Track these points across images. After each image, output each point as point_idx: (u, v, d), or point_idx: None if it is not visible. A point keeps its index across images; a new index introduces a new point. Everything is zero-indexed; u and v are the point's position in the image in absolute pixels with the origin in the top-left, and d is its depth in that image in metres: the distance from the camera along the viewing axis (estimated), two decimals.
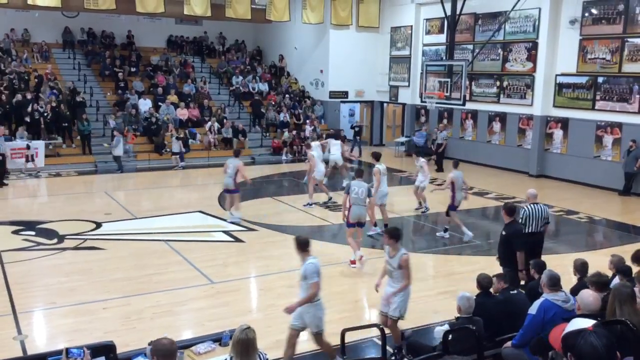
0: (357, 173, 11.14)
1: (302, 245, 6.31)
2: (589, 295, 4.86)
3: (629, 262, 6.93)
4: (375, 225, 12.10)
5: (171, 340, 4.32)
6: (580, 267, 6.73)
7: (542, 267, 6.60)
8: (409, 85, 23.86)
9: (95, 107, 21.57)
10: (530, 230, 8.44)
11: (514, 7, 18.23)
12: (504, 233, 8.10)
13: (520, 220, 8.41)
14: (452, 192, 11.64)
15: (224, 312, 7.99)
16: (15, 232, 11.78)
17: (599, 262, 8.72)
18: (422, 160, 13.81)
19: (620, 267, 6.53)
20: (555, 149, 18.47)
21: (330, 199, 14.63)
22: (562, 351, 3.06)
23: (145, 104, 21.85)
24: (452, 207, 11.68)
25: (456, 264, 10.38)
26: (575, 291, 5.99)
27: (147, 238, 11.63)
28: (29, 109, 19.06)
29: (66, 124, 19.71)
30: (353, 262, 10.11)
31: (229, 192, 12.95)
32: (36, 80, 21.42)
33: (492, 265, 8.89)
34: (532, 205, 8.64)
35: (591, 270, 6.29)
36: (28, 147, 18.01)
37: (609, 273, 6.66)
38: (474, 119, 21.31)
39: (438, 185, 14.66)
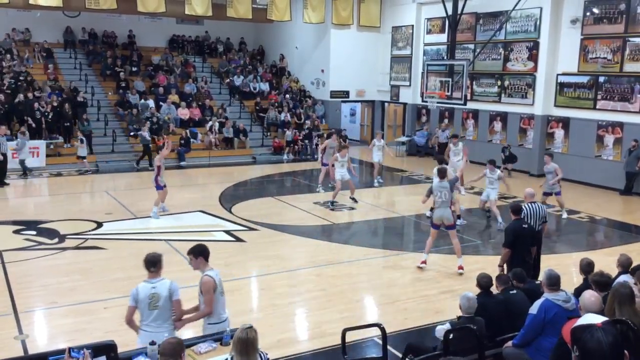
0: (439, 174, 9.82)
1: (144, 265, 5.68)
2: (590, 296, 4.86)
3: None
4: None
5: (178, 339, 4.33)
6: (586, 267, 6.72)
7: (521, 277, 6.61)
8: (410, 85, 23.85)
9: (96, 107, 21.57)
10: None
11: (515, 6, 18.20)
12: None
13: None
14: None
15: None
16: (17, 232, 11.79)
17: (600, 262, 8.70)
18: (499, 172, 13.10)
19: (632, 268, 6.50)
20: (557, 148, 18.45)
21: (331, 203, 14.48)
22: (570, 344, 3.06)
23: (147, 105, 21.87)
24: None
25: (457, 264, 10.35)
26: (580, 291, 5.98)
27: (148, 238, 11.65)
28: (31, 108, 19.10)
29: (68, 124, 19.71)
30: (423, 262, 10.03)
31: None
32: (30, 77, 21.45)
33: (493, 265, 8.89)
34: (529, 204, 8.69)
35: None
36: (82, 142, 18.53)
37: (616, 271, 6.65)
38: (475, 118, 21.30)
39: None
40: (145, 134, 19.51)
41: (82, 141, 18.62)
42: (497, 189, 12.92)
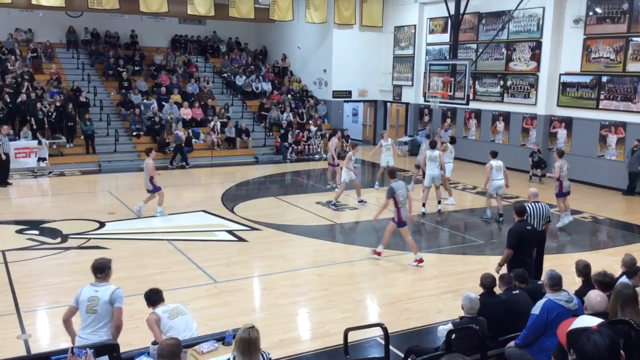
0: (391, 174, 10.72)
1: (92, 271, 5.69)
2: (596, 296, 4.85)
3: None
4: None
5: (176, 340, 4.33)
6: (584, 269, 6.70)
7: (523, 278, 6.60)
8: (412, 85, 23.84)
9: (99, 107, 21.61)
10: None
11: (517, 6, 18.19)
12: None
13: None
14: (559, 179, 12.49)
15: (227, 312, 8.00)
16: (19, 232, 11.81)
17: (603, 262, 8.72)
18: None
19: (635, 269, 6.48)
20: (560, 148, 18.40)
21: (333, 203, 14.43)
22: (566, 346, 3.06)
23: (150, 104, 21.93)
24: (561, 194, 12.67)
25: (459, 264, 10.37)
26: (580, 293, 5.97)
27: (150, 237, 11.66)
28: (34, 108, 19.13)
29: (71, 124, 19.73)
30: (420, 261, 10.12)
31: (149, 191, 13.03)
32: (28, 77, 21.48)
33: (494, 265, 8.88)
34: (533, 204, 8.69)
35: (595, 270, 6.27)
36: (40, 143, 18.15)
37: (618, 271, 6.63)
38: (478, 118, 21.28)
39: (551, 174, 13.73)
40: (180, 133, 19.85)
41: (40, 142, 18.28)
42: (500, 179, 12.99)
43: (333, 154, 16.23)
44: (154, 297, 5.98)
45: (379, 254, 10.39)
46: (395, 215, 10.01)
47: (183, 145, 19.90)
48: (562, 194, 12.71)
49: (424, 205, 13.83)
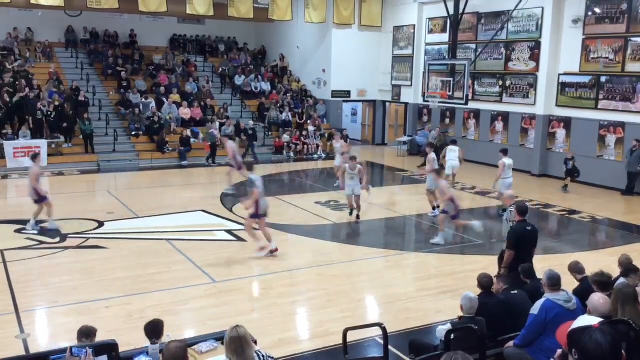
0: (249, 167, 11.07)
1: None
2: (599, 298, 4.85)
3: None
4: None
5: (182, 344, 4.21)
6: (577, 268, 6.73)
7: (530, 273, 6.60)
8: (411, 85, 23.83)
9: (97, 107, 21.58)
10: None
11: (517, 6, 18.19)
12: None
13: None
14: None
15: (226, 311, 7.99)
16: (18, 231, 11.80)
17: (602, 262, 8.71)
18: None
19: (629, 267, 6.49)
20: (558, 148, 18.44)
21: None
22: (567, 347, 3.05)
23: (149, 104, 21.92)
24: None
25: (458, 264, 10.36)
26: (578, 292, 5.98)
27: (149, 237, 11.63)
28: (33, 108, 19.10)
29: (67, 124, 19.67)
30: (275, 250, 10.39)
31: (35, 202, 11.83)
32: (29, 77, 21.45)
33: (494, 265, 8.90)
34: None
35: (593, 270, 6.27)
36: None
37: (617, 271, 6.64)
38: (477, 118, 21.29)
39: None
40: (216, 132, 20.24)
41: None
42: (510, 177, 13.01)
43: (235, 156, 15.90)
44: (152, 332, 5.37)
45: (274, 250, 10.42)
46: (254, 208, 10.26)
47: (217, 144, 20.22)
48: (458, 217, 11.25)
49: (437, 206, 13.50)
